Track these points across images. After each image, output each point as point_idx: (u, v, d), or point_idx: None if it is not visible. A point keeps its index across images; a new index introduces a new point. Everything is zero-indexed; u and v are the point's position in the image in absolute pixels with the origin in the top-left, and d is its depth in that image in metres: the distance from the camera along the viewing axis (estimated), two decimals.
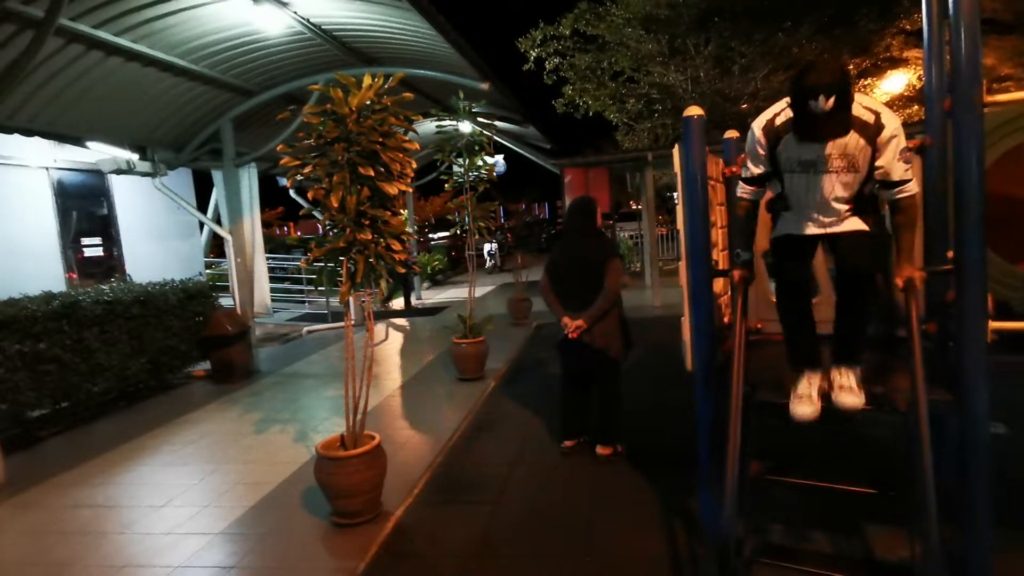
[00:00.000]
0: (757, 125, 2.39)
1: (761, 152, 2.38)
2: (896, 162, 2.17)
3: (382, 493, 3.38)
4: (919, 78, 11.98)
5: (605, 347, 3.80)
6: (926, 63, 2.79)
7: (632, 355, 6.56)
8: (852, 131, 2.13)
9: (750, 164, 2.46)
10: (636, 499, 3.35)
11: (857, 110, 2.13)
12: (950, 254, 2.22)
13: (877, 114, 2.15)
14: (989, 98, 2.26)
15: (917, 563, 2.26)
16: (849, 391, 2.36)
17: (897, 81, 12.45)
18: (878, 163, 2.17)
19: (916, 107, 12.45)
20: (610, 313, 3.81)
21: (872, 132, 2.13)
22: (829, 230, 2.34)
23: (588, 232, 3.91)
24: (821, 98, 1.99)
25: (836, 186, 2.23)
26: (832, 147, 2.17)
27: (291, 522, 3.35)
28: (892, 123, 2.15)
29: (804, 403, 2.39)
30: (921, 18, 2.78)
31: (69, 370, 5.17)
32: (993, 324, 2.18)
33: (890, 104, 13.21)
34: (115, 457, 4.51)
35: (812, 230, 2.37)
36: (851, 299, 2.43)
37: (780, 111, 2.31)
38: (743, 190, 2.54)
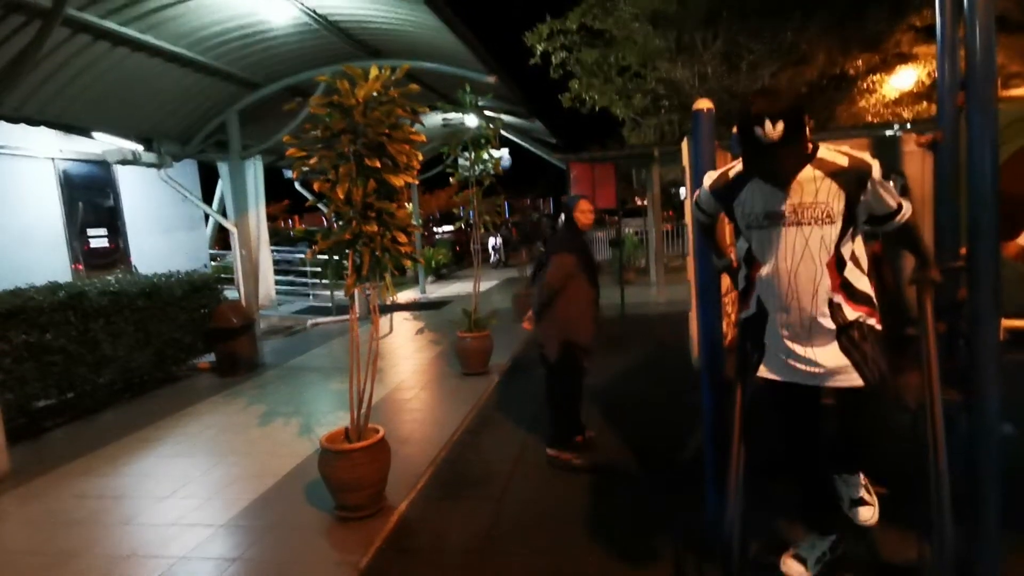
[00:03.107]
0: (707, 180, 2.23)
1: (713, 203, 2.24)
2: (884, 196, 1.97)
3: (386, 487, 3.38)
4: (929, 74, 11.89)
5: (542, 345, 3.83)
6: (939, 59, 2.76)
7: (637, 351, 6.57)
8: (824, 175, 1.95)
9: (701, 203, 2.31)
10: (640, 495, 3.34)
11: (825, 154, 1.97)
12: (963, 251, 2.20)
13: (849, 156, 1.96)
14: (1004, 93, 2.23)
15: (926, 564, 2.24)
16: (862, 504, 2.28)
17: (907, 77, 12.36)
18: (871, 206, 1.98)
19: (925, 104, 12.36)
20: (549, 312, 3.74)
21: (848, 176, 1.93)
22: (825, 382, 2.09)
23: (557, 231, 3.98)
24: (767, 123, 1.78)
25: (812, 240, 1.98)
26: (802, 194, 1.96)
27: (295, 515, 3.35)
28: (868, 160, 1.95)
29: (796, 564, 2.32)
30: (932, 14, 2.75)
31: (75, 361, 5.18)
32: (1006, 322, 2.15)
33: (899, 101, 13.13)
34: (120, 448, 4.52)
35: (799, 370, 2.10)
36: (853, 430, 2.24)
37: (734, 165, 2.15)
38: (696, 212, 2.38)
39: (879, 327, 2.09)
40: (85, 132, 6.37)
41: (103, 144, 6.77)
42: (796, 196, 1.97)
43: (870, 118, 13.19)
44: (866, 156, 1.96)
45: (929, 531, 2.05)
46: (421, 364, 6.73)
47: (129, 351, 5.75)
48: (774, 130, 1.79)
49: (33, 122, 5.68)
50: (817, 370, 2.07)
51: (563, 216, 3.94)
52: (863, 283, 2.08)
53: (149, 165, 7.10)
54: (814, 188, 1.95)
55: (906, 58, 12.18)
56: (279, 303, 10.94)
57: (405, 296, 12.47)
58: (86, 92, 5.73)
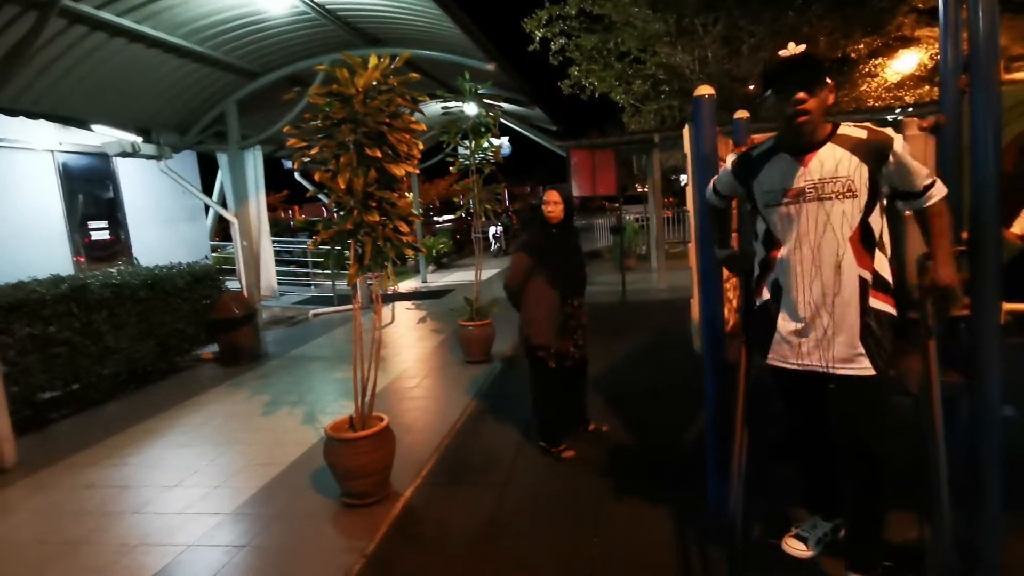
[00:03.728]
0: (729, 159, 2.28)
1: (733, 182, 2.26)
2: (909, 172, 1.95)
3: (391, 474, 3.40)
4: (931, 57, 11.81)
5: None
6: (941, 41, 2.73)
7: (639, 338, 6.59)
8: (843, 149, 1.97)
9: (719, 184, 2.36)
10: (643, 482, 3.36)
11: (845, 130, 2.01)
12: (964, 235, 2.19)
13: (868, 130, 1.98)
14: (1007, 76, 2.22)
15: (927, 546, 2.26)
16: None
17: (909, 60, 12.28)
18: (895, 180, 1.97)
19: (927, 87, 12.29)
20: (521, 307, 3.72)
21: (867, 149, 1.95)
22: (835, 369, 2.05)
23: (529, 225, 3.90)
24: (791, 44, 1.96)
25: (833, 215, 1.99)
26: (823, 169, 1.99)
27: (301, 503, 3.38)
28: (889, 133, 1.96)
29: (797, 543, 2.36)
30: None
31: (79, 353, 5.21)
32: (1007, 306, 2.16)
33: (901, 84, 13.05)
34: (126, 438, 4.55)
35: (811, 356, 2.08)
36: (860, 472, 2.14)
37: (757, 144, 2.19)
38: (711, 197, 2.43)
39: (895, 313, 2.08)
40: (83, 124, 6.35)
41: (102, 136, 6.75)
42: (816, 171, 1.99)
43: (872, 102, 13.12)
44: (888, 130, 1.97)
45: (930, 513, 2.07)
46: (423, 353, 6.75)
47: (132, 342, 5.77)
48: (796, 48, 1.93)
49: (31, 115, 5.66)
50: (830, 356, 2.05)
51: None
52: (886, 270, 2.06)
53: (148, 157, 7.08)
54: (834, 162, 1.97)
55: (908, 41, 12.10)
56: (281, 293, 10.96)
57: (406, 285, 12.49)
58: (83, 83, 5.70)
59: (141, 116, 6.80)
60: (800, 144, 2.03)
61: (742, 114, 3.30)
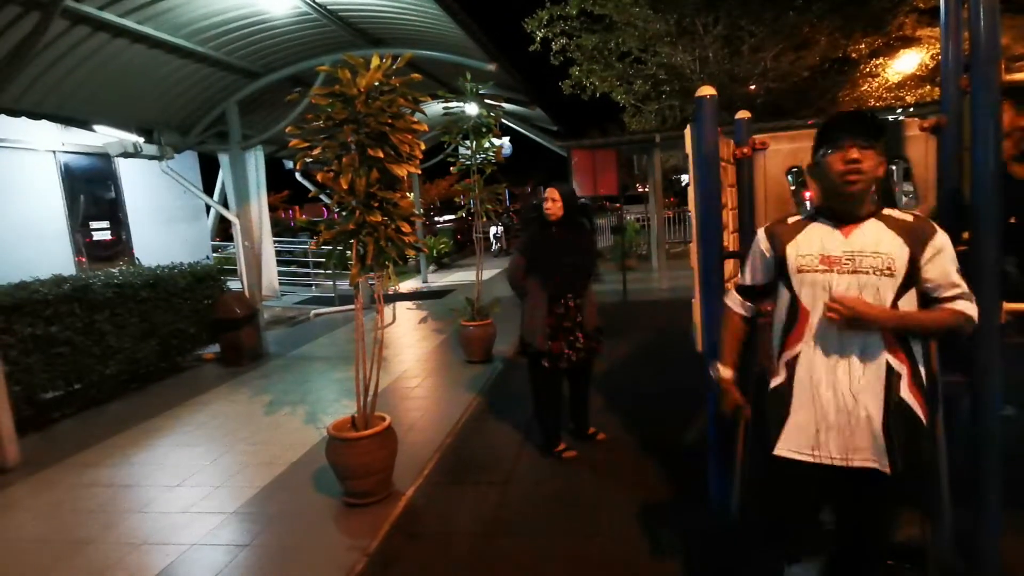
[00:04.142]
0: (761, 227, 2.12)
1: (765, 252, 2.05)
2: (942, 274, 1.80)
3: (393, 473, 3.41)
4: (932, 57, 11.82)
5: None
6: (943, 41, 2.74)
7: (639, 338, 6.59)
8: (887, 227, 1.83)
9: (748, 272, 2.15)
10: (644, 481, 3.37)
11: (891, 212, 1.87)
12: (965, 235, 2.20)
13: (915, 216, 1.84)
14: (1008, 76, 2.22)
15: (928, 543, 2.27)
16: None
17: (910, 60, 12.30)
18: (926, 273, 1.81)
19: (928, 87, 12.30)
20: (523, 305, 3.73)
21: (913, 233, 1.81)
22: (851, 462, 1.84)
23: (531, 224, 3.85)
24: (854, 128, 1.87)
25: (866, 290, 1.81)
26: (864, 241, 1.83)
27: (303, 502, 3.39)
28: (933, 224, 1.83)
29: (796, 567, 2.14)
30: None
31: (81, 352, 5.21)
32: (1007, 306, 2.17)
33: (902, 84, 13.06)
34: (128, 438, 4.56)
35: (829, 451, 1.86)
36: (859, 514, 1.99)
37: (792, 215, 2.05)
38: (735, 302, 2.22)
39: (923, 419, 1.85)
40: (85, 124, 6.35)
41: (104, 137, 6.76)
42: (857, 242, 1.85)
43: (873, 102, 13.14)
44: (933, 222, 1.85)
45: (930, 513, 2.07)
46: (425, 352, 6.76)
47: (134, 342, 5.78)
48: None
49: (33, 115, 5.67)
50: (847, 446, 1.86)
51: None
52: (921, 361, 1.89)
53: (150, 157, 7.10)
54: (876, 238, 1.84)
55: (909, 41, 12.12)
56: (282, 293, 10.98)
57: (407, 285, 12.50)
58: (85, 84, 5.72)
59: (143, 116, 6.81)
60: (844, 212, 1.88)
61: (743, 114, 3.31)
